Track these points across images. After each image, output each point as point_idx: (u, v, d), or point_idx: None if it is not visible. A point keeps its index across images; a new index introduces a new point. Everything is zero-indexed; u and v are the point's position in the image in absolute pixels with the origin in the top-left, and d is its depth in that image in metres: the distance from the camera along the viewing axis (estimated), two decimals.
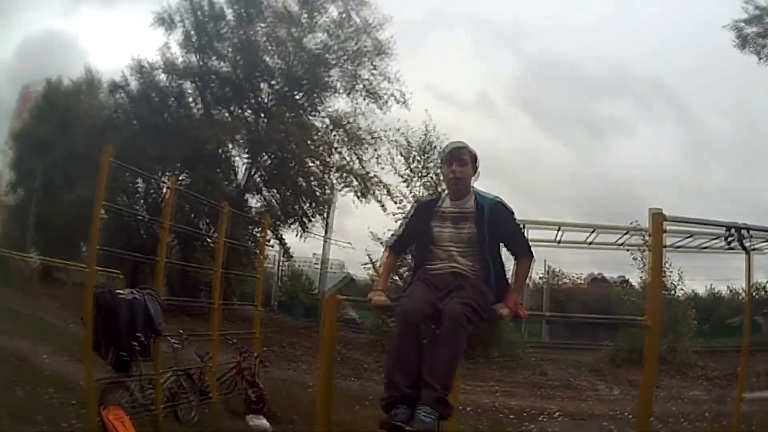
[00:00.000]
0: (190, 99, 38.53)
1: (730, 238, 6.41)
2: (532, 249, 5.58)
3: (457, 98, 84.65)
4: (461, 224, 5.33)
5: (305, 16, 37.66)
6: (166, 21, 37.21)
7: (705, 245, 8.99)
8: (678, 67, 69.16)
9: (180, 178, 32.93)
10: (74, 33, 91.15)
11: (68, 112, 45.10)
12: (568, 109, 72.19)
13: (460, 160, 5.47)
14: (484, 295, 5.03)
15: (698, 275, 50.81)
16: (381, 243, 30.29)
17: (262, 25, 37.50)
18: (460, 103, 70.04)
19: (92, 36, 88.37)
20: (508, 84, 78.78)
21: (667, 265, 26.63)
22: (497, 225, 5.30)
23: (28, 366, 13.04)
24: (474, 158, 5.62)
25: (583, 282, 57.42)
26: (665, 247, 9.53)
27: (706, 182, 61.71)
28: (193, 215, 33.41)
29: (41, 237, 44.83)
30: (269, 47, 37.44)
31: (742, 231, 6.24)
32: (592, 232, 8.92)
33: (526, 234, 9.40)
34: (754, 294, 37.75)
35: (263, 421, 10.26)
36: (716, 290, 48.63)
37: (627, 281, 38.15)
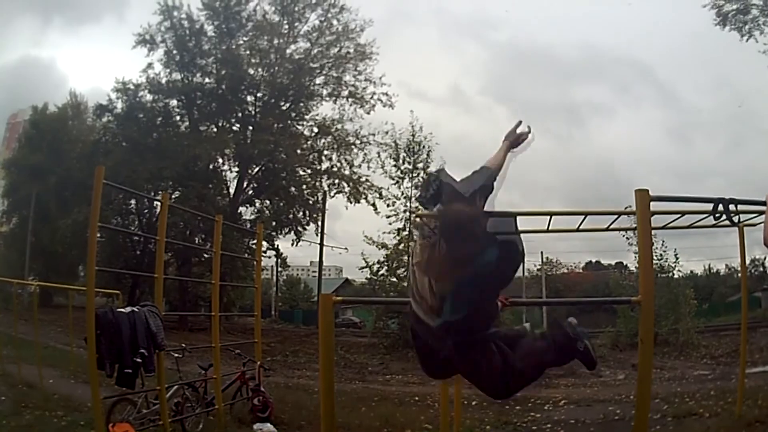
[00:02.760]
0: (177, 117, 38.85)
1: (717, 214, 6.46)
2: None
3: (431, 94, 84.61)
4: None
5: (286, 25, 37.83)
6: (147, 41, 37.34)
7: (696, 223, 9.00)
8: (655, 47, 68.99)
9: (173, 195, 32.98)
10: (50, 59, 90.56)
11: (57, 138, 45.11)
12: (543, 96, 72.03)
13: None
14: None
15: (695, 255, 51.04)
16: (376, 246, 30.51)
17: (244, 38, 37.69)
18: (433, 98, 69.66)
19: (69, 60, 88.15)
20: (479, 75, 78.63)
21: (662, 247, 26.83)
22: None
23: (36, 391, 13.13)
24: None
25: (580, 269, 57.48)
26: (655, 228, 9.64)
27: (694, 161, 61.71)
28: (188, 231, 33.58)
29: (39, 263, 44.82)
30: (252, 59, 37.65)
31: (730, 205, 6.30)
32: (584, 218, 8.93)
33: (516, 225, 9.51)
34: (752, 270, 37.87)
35: (270, 427, 10.33)
36: (714, 269, 48.77)
37: (624, 265, 38.21)
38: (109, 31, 74.16)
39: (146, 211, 39.56)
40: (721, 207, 6.19)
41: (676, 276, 28.64)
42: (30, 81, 59.27)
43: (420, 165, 31.75)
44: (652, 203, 5.91)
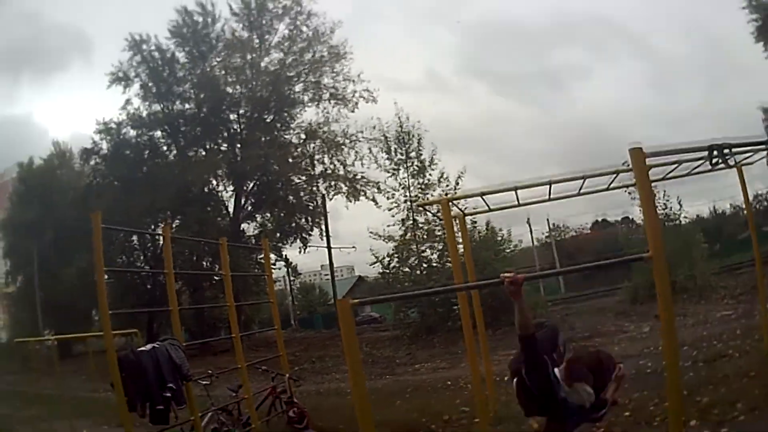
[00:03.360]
0: (164, 147, 38.90)
1: (714, 159, 6.46)
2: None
3: (406, 82, 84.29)
4: None
5: (256, 39, 37.86)
6: (121, 78, 37.33)
7: (694, 170, 9.01)
8: (623, 3, 68.76)
9: (173, 224, 33.01)
10: (25, 114, 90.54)
11: (47, 190, 45.13)
12: (519, 67, 71.99)
13: None
14: None
15: (699, 198, 50.97)
16: (383, 239, 30.58)
17: (217, 58, 37.69)
18: (409, 86, 69.63)
19: (45, 112, 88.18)
20: (453, 57, 78.39)
21: (665, 196, 26.83)
22: None
23: None
24: None
25: (587, 230, 57.46)
26: (654, 181, 9.65)
27: (679, 108, 61.61)
28: (194, 257, 33.57)
29: (51, 316, 44.81)
30: (229, 78, 37.60)
31: (724, 150, 6.30)
32: (583, 181, 8.95)
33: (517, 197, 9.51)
34: (756, 206, 37.88)
35: None
36: (720, 210, 48.63)
37: (630, 219, 38.22)
38: (80, 75, 73.91)
39: (149, 245, 39.56)
40: (716, 152, 6.21)
41: (683, 222, 28.69)
42: (10, 139, 59.28)
43: (412, 154, 31.81)
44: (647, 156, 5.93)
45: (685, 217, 29.09)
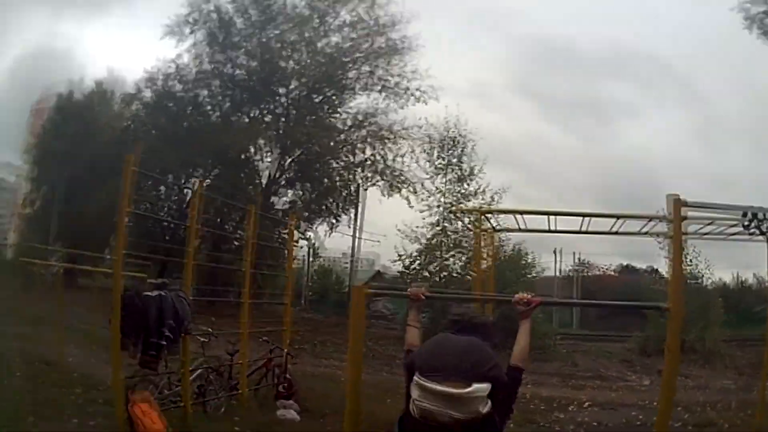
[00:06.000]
0: (209, 107, 38.82)
1: (747, 223, 6.38)
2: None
3: (453, 89, 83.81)
4: None
5: (317, 19, 37.78)
6: (176, 32, 37.40)
7: (728, 232, 8.92)
8: (679, 45, 67.95)
9: (205, 182, 33.15)
10: (65, 49, 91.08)
11: (83, 125, 45.43)
12: (568, 92, 71.14)
13: None
14: None
15: (724, 264, 50.40)
16: (409, 239, 30.56)
17: (275, 30, 37.62)
18: (456, 93, 68.91)
19: (86, 50, 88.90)
20: (501, 70, 77.64)
21: (694, 254, 26.63)
22: None
23: (55, 369, 13.22)
24: None
25: (613, 272, 57.11)
26: (686, 234, 9.55)
27: (722, 165, 60.81)
28: (219, 219, 33.65)
29: (64, 244, 45.12)
30: (283, 52, 37.49)
31: (759, 215, 6.21)
32: (616, 220, 8.89)
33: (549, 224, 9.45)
34: None
35: (293, 414, 10.34)
36: (744, 279, 48.09)
37: (656, 270, 37.89)
38: (122, 21, 74.30)
39: (176, 197, 39.75)
40: (750, 217, 6.12)
41: (705, 284, 28.44)
42: (49, 71, 59.85)
43: (455, 161, 31.66)
44: (685, 209, 5.87)
45: (709, 278, 28.78)
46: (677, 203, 5.71)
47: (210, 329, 11.26)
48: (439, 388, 3.53)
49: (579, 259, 52.20)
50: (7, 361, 13.73)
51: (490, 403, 3.60)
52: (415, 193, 34.02)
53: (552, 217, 9.54)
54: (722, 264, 52.10)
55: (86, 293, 26.08)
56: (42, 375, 12.04)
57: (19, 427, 7.88)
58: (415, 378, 3.73)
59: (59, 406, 9.25)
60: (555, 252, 48.25)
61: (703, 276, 27.83)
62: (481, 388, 3.55)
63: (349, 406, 5.14)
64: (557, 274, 48.74)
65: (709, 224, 8.93)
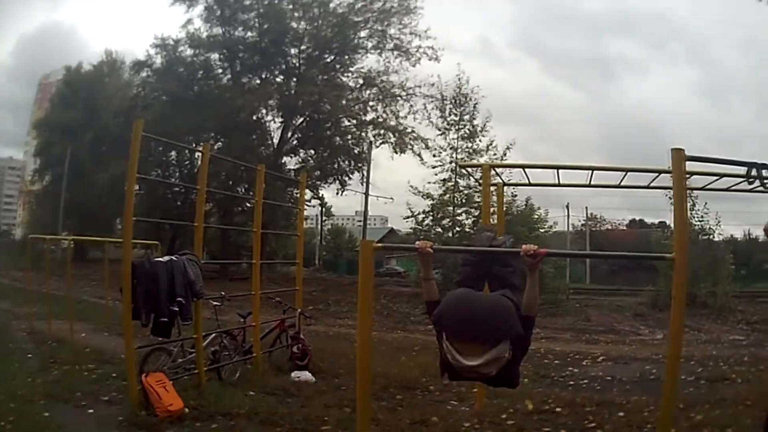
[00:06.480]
0: (219, 70, 39.06)
1: (751, 178, 6.35)
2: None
3: (459, 46, 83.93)
4: None
5: None
6: None
7: (733, 187, 8.88)
8: (686, 4, 67.80)
9: (215, 146, 33.24)
10: (71, 23, 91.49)
11: (92, 95, 45.50)
12: (573, 49, 71.52)
13: None
14: None
15: (735, 220, 50.38)
16: (421, 195, 30.64)
17: None
18: (462, 50, 69.03)
19: (91, 23, 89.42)
20: (507, 28, 78.45)
21: (704, 209, 26.62)
22: None
23: (66, 346, 13.18)
24: None
25: (623, 227, 57.20)
26: (690, 189, 9.52)
27: (730, 123, 60.85)
28: (230, 182, 33.80)
29: (74, 219, 45.25)
30: (295, 13, 37.49)
31: (762, 170, 6.19)
32: (624, 175, 8.87)
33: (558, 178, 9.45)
34: None
35: (308, 375, 10.41)
36: (753, 234, 48.07)
37: (666, 225, 37.92)
38: None
39: (187, 162, 39.93)
40: (754, 171, 6.10)
41: (716, 239, 28.40)
42: (53, 46, 60.35)
43: (466, 117, 31.59)
44: (690, 164, 5.90)
45: (719, 234, 28.72)
46: (679, 155, 5.74)
47: (223, 293, 11.30)
48: (465, 363, 3.94)
49: (590, 213, 52.29)
50: (19, 342, 13.87)
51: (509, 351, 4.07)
52: (428, 148, 34.10)
53: (559, 172, 9.51)
54: (733, 220, 52.15)
55: (97, 266, 26.24)
56: (54, 354, 12.03)
57: (33, 409, 7.93)
58: (444, 342, 4.12)
59: (72, 384, 9.27)
60: (566, 207, 48.37)
61: (714, 232, 27.72)
62: (501, 350, 3.98)
63: (360, 360, 5.17)
64: (569, 229, 48.92)
65: (716, 179, 8.91)
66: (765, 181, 6.19)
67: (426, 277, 4.89)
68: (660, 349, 15.28)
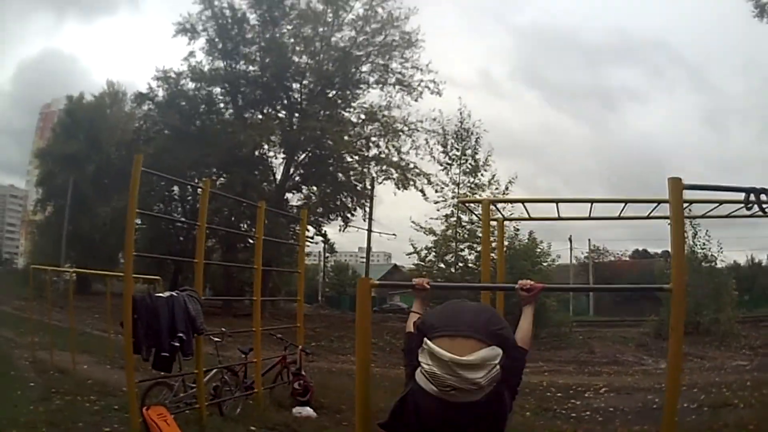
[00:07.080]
0: (221, 104, 39.22)
1: (749, 203, 6.39)
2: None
3: (459, 79, 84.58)
4: None
5: (330, 14, 37.90)
6: (188, 30, 37.63)
7: (733, 213, 8.92)
8: (684, 31, 68.65)
9: (217, 181, 33.34)
10: (71, 53, 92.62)
11: (94, 126, 45.64)
12: (573, 80, 72.13)
13: None
14: None
15: (738, 245, 50.47)
16: (424, 231, 30.74)
17: (288, 26, 37.88)
18: (462, 84, 69.46)
19: (91, 53, 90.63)
20: (506, 60, 79.24)
21: (706, 236, 26.72)
22: None
23: (68, 377, 13.19)
24: None
25: (627, 257, 57.18)
26: (689, 217, 9.56)
27: (731, 148, 61.18)
28: (233, 218, 33.86)
29: (76, 250, 45.31)
30: (297, 47, 37.76)
31: (761, 195, 6.22)
32: (624, 206, 8.92)
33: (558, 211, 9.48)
34: None
35: (309, 411, 10.40)
36: (757, 260, 48.07)
37: (669, 254, 38.07)
38: (129, 21, 75.69)
39: (189, 197, 39.94)
40: (752, 197, 6.13)
41: (718, 265, 28.43)
42: (54, 74, 61.04)
43: (468, 151, 31.75)
44: (689, 192, 5.94)
45: (722, 261, 28.77)
46: (677, 184, 5.78)
47: (224, 329, 11.33)
48: (454, 356, 3.27)
49: (593, 245, 52.32)
50: (21, 371, 13.87)
51: (500, 373, 3.37)
52: (430, 183, 34.21)
53: (559, 205, 9.55)
54: (736, 246, 52.14)
55: (100, 299, 26.27)
56: (56, 384, 12.02)
57: None
58: (425, 341, 3.41)
59: (74, 414, 9.28)
60: (570, 240, 48.38)
61: (716, 258, 27.78)
62: (492, 353, 3.36)
63: (359, 398, 5.17)
64: (572, 261, 48.90)
65: (716, 206, 8.95)
66: (764, 205, 6.22)
67: (416, 312, 4.84)
68: (663, 379, 15.24)
